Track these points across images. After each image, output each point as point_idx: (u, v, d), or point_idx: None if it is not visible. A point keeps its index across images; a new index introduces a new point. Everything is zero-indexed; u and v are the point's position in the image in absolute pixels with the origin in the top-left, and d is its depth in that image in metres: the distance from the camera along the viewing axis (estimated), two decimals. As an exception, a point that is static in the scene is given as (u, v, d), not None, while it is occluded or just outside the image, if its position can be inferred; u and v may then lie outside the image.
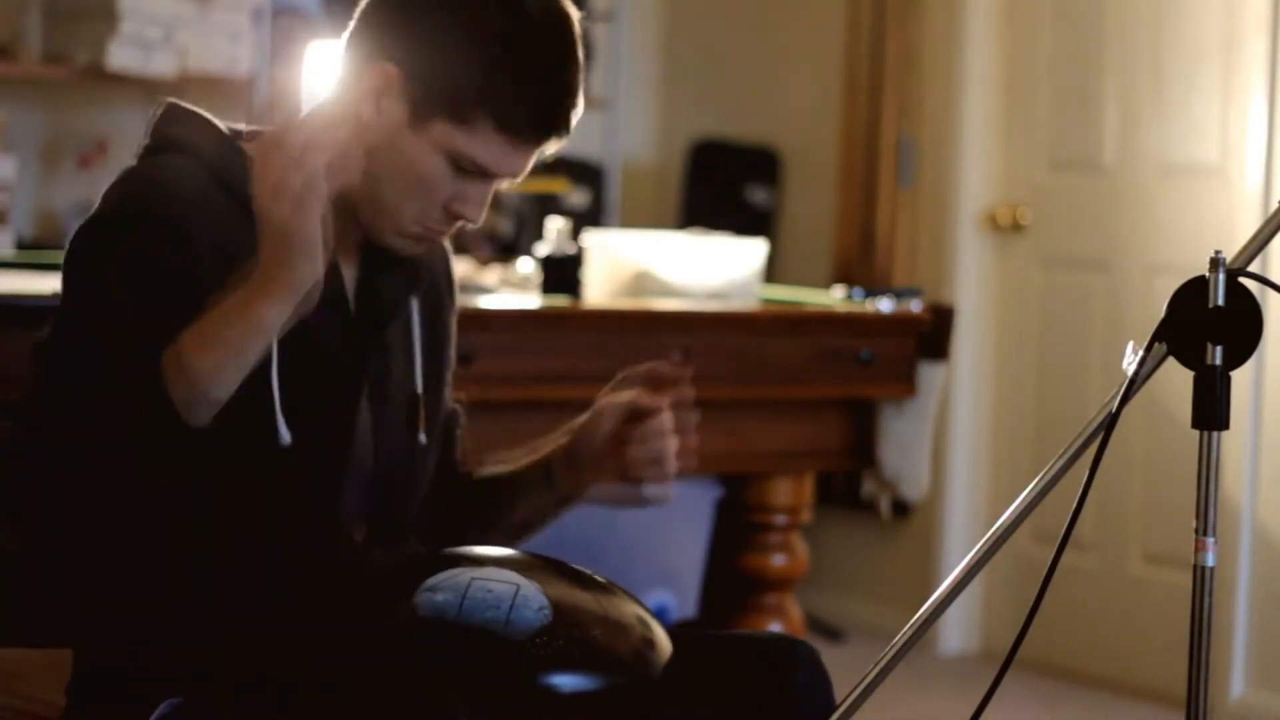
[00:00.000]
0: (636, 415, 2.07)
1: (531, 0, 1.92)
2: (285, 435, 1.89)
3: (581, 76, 1.96)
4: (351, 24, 1.96)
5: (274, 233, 1.77)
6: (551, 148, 1.97)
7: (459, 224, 1.97)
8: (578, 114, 1.97)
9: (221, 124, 1.99)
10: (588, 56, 2.00)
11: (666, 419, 2.06)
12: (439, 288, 2.13)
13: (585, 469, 2.10)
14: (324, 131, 1.77)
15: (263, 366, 1.85)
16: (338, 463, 1.98)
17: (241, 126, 2.04)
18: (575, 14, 1.97)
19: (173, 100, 2.01)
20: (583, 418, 2.11)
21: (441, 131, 1.91)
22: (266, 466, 1.89)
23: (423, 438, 2.07)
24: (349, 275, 2.01)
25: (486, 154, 1.92)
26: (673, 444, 2.06)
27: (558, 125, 1.95)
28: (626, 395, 2.07)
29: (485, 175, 1.94)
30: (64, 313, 1.88)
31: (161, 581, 1.90)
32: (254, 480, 1.89)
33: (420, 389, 2.07)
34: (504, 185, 2.01)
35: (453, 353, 2.19)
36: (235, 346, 1.78)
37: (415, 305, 2.07)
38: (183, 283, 1.84)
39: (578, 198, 5.60)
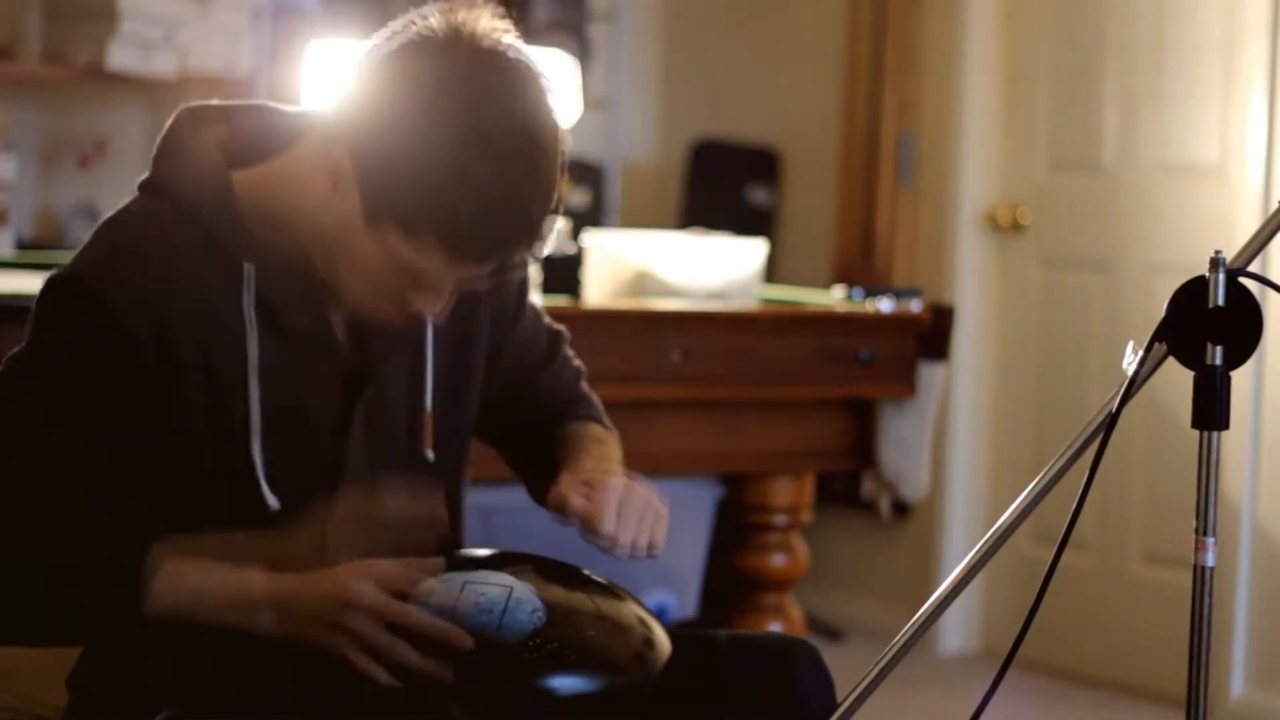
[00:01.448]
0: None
1: (496, 120, 1.78)
2: (273, 501, 1.88)
3: (547, 202, 1.82)
4: (339, 76, 1.85)
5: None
6: (518, 260, 1.88)
7: (416, 316, 1.91)
8: (546, 226, 1.85)
9: (222, 147, 1.93)
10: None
11: (608, 518, 1.95)
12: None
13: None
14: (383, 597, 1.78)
15: (244, 433, 1.86)
16: (325, 509, 1.93)
17: (257, 104, 2.01)
18: (553, 132, 1.83)
19: (187, 109, 1.97)
20: (551, 493, 2.03)
21: (391, 238, 1.81)
22: (252, 527, 1.88)
23: (430, 454, 2.02)
24: (340, 322, 1.96)
25: (432, 269, 1.83)
26: (629, 533, 1.96)
27: (515, 243, 1.84)
28: (573, 504, 1.97)
29: (435, 282, 1.86)
30: (24, 364, 1.88)
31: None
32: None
33: (430, 404, 2.02)
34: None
35: (524, 308, 2.14)
36: (214, 616, 1.82)
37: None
38: (148, 353, 1.84)
39: (578, 198, 5.60)
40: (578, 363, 2.23)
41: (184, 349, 1.85)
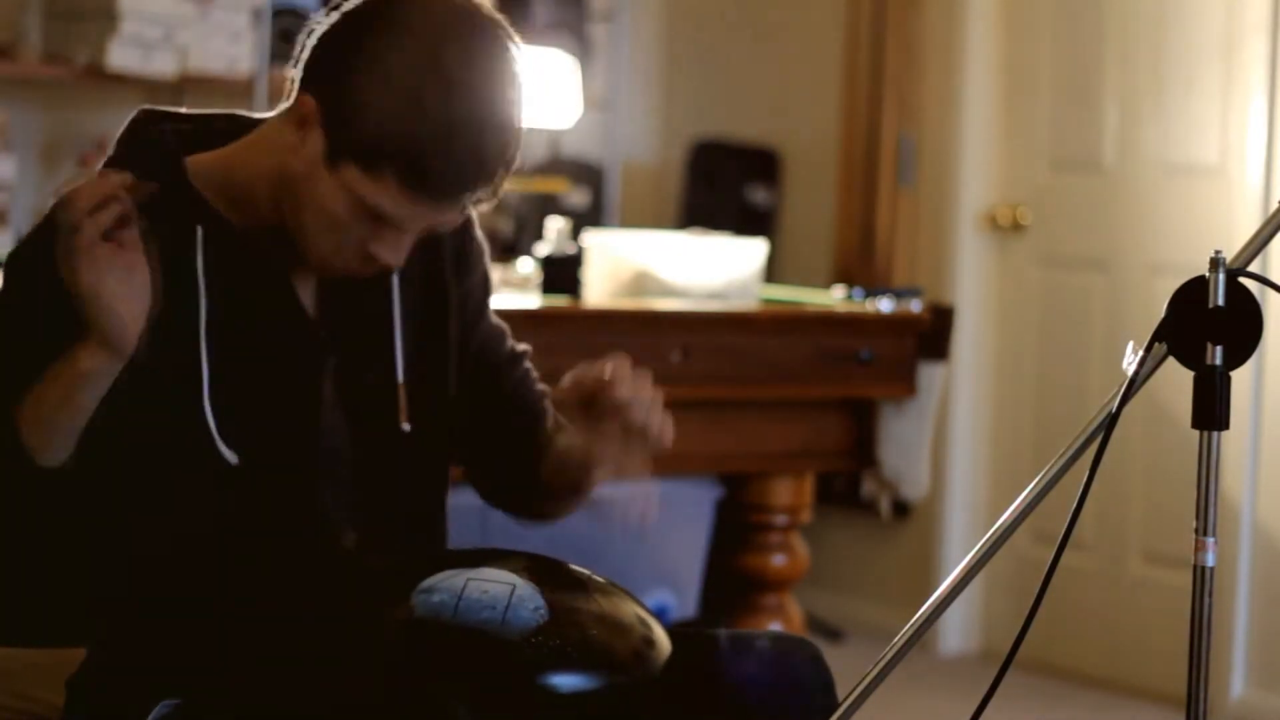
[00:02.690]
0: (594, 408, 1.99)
1: (453, 53, 1.84)
2: (230, 456, 1.91)
3: (503, 139, 1.86)
4: (300, 50, 1.92)
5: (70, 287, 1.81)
6: (478, 199, 1.89)
7: (378, 265, 1.92)
8: (506, 166, 1.88)
9: (180, 136, 1.98)
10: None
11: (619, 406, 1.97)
12: (436, 259, 2.07)
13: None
14: (85, 189, 1.80)
15: (195, 392, 1.89)
16: (305, 469, 1.97)
17: (225, 111, 2.04)
18: (512, 74, 1.87)
19: (146, 110, 2.02)
20: (555, 401, 2.06)
21: (351, 176, 1.85)
22: (218, 487, 1.91)
23: (406, 426, 2.03)
24: (309, 291, 1.99)
25: (393, 207, 1.86)
26: (642, 406, 1.98)
27: (474, 180, 1.86)
28: (586, 375, 1.98)
29: (396, 224, 1.89)
30: None
31: (149, 588, 1.92)
32: (208, 501, 1.91)
33: (402, 376, 2.03)
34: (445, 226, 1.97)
35: (488, 305, 2.15)
36: (58, 399, 1.84)
37: (396, 287, 2.04)
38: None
39: (578, 198, 5.60)
40: (542, 386, 2.23)
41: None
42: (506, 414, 2.17)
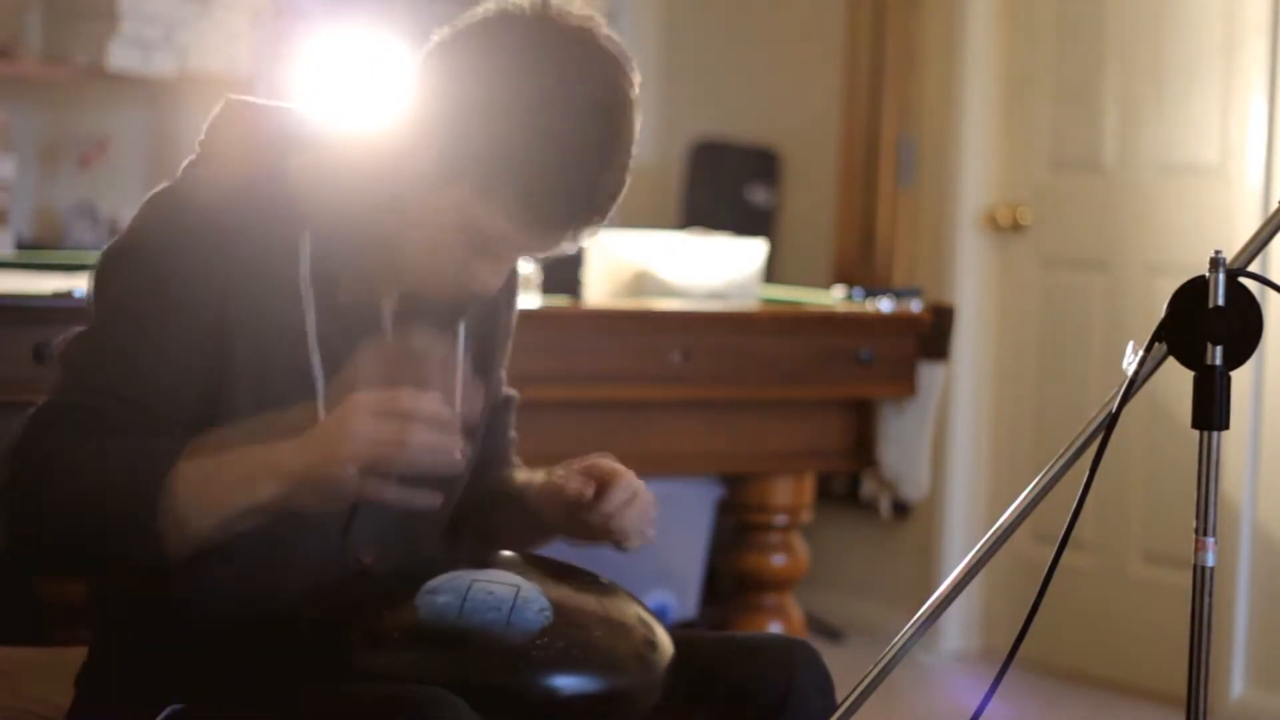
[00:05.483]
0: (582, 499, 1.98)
1: (582, 77, 1.81)
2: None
3: (619, 176, 1.84)
4: (411, 65, 1.86)
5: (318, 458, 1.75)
6: (582, 234, 1.88)
7: (474, 289, 1.89)
8: (614, 202, 1.86)
9: (273, 135, 1.93)
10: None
11: (618, 496, 1.96)
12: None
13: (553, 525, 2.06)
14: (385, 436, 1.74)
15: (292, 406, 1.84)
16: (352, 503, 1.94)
17: (304, 113, 1.99)
18: (632, 111, 1.85)
19: (232, 100, 1.97)
20: (536, 487, 2.04)
21: (463, 196, 1.81)
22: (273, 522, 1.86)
23: (458, 454, 2.02)
24: (388, 312, 1.96)
25: (500, 231, 1.83)
26: (632, 515, 1.98)
27: (584, 212, 1.85)
28: (571, 485, 1.97)
29: (500, 249, 1.86)
30: (91, 333, 1.84)
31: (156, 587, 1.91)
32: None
33: (459, 405, 1.98)
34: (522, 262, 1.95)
35: (507, 347, 2.14)
36: (222, 506, 1.76)
37: (462, 320, 2.02)
38: (206, 315, 1.83)
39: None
40: (513, 433, 2.22)
41: (237, 318, 1.84)
42: (482, 460, 2.12)
